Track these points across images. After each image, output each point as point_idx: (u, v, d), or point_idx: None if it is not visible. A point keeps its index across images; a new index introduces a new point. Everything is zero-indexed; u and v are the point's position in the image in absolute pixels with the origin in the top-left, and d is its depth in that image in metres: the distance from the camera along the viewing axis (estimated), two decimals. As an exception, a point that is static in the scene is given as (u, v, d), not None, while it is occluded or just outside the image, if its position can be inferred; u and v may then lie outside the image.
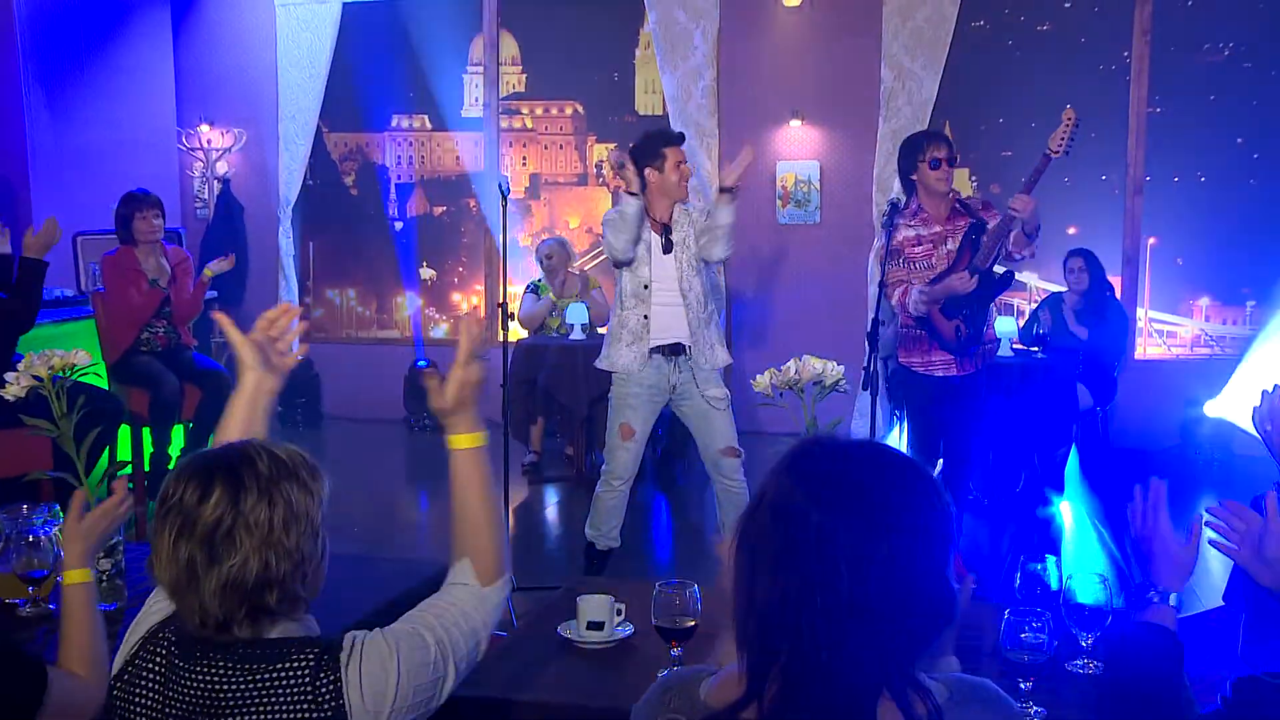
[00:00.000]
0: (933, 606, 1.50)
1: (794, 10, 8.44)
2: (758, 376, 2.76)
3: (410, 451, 8.64)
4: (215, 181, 9.29)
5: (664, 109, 8.75)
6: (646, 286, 5.09)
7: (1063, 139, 4.91)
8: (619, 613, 2.65)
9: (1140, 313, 8.41)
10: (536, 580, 5.30)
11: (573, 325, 7.41)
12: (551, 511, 7.08)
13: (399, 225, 9.50)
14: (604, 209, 8.82)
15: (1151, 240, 8.37)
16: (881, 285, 5.10)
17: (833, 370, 2.67)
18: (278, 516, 1.78)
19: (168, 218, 8.56)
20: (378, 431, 8.95)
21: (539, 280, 7.89)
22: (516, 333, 7.93)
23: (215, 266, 5.98)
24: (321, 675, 1.76)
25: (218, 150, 9.30)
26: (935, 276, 5.06)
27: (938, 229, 5.12)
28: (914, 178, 5.15)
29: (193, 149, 9.29)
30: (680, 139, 5.18)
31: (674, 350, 5.12)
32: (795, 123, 8.56)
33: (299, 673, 1.76)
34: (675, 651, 2.44)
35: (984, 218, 5.10)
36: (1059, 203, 8.38)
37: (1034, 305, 7.94)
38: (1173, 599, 2.01)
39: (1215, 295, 8.30)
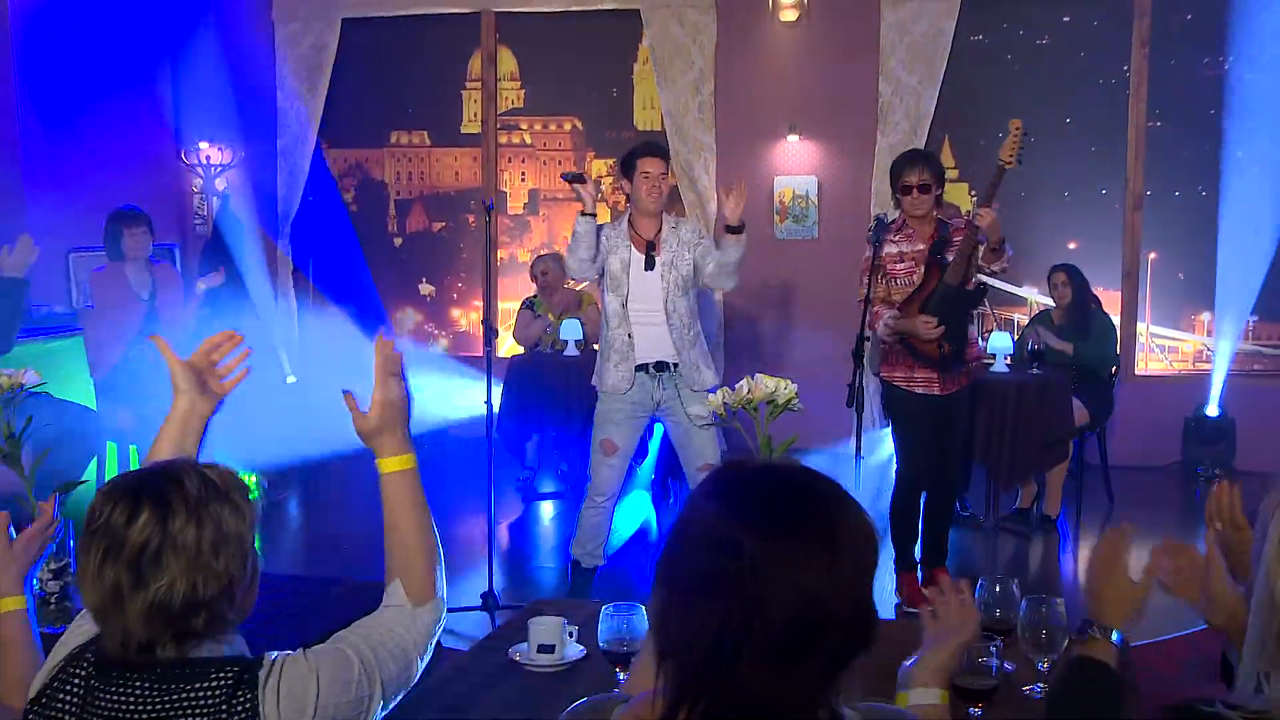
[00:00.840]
0: (858, 632, 1.47)
1: (791, 25, 8.42)
2: (709, 396, 2.73)
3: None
4: (214, 198, 9.30)
5: (662, 124, 8.74)
6: (625, 305, 5.07)
7: (1013, 150, 4.95)
8: (571, 635, 2.61)
9: (1141, 328, 8.35)
10: (526, 598, 5.27)
11: (567, 341, 7.38)
12: (545, 528, 7.04)
13: (399, 241, 9.50)
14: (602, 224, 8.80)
15: (1152, 255, 8.31)
16: (866, 301, 5.08)
17: (785, 389, 2.63)
18: (206, 538, 1.76)
19: (166, 234, 8.61)
20: (375, 448, 8.92)
21: (534, 297, 7.87)
22: (515, 349, 7.93)
23: (207, 281, 5.97)
24: (238, 693, 1.74)
25: (216, 167, 9.31)
26: (904, 300, 5.08)
27: (921, 247, 5.14)
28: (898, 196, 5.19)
29: (191, 166, 9.31)
30: (656, 150, 5.13)
31: (658, 368, 5.10)
32: (792, 137, 8.54)
33: (215, 691, 1.74)
34: (622, 675, 2.39)
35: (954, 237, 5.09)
36: (1058, 218, 8.35)
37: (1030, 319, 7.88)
38: (1114, 635, 1.96)
39: (1217, 310, 8.23)
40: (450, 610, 5.28)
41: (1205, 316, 8.26)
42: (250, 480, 6.93)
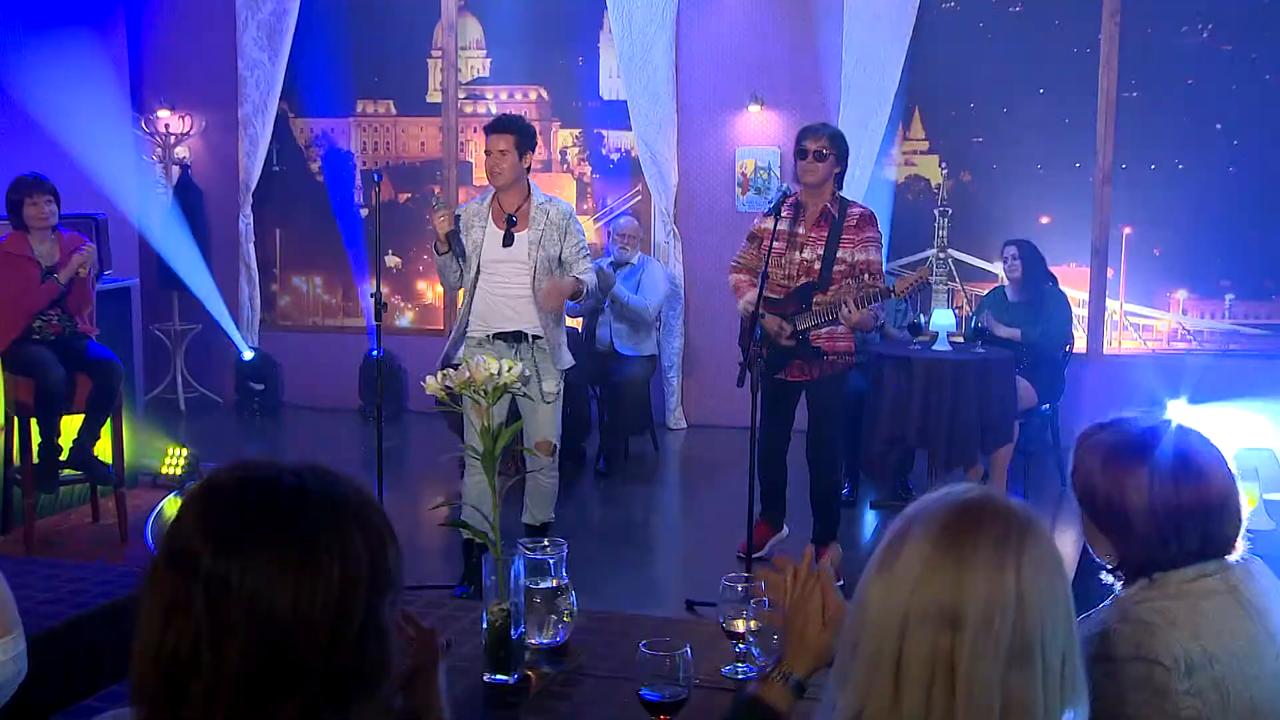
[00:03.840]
0: (341, 679, 1.27)
1: (752, -9, 8.19)
2: (428, 379, 2.56)
3: (357, 442, 8.51)
4: (175, 167, 9.20)
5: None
6: (476, 279, 5.03)
7: (907, 288, 5.14)
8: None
9: (1114, 305, 8.07)
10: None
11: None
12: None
13: (365, 212, 9.37)
14: (568, 196, 8.65)
15: (1126, 230, 8.02)
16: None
17: (509, 370, 2.47)
18: None
19: (121, 204, 8.51)
20: (332, 420, 8.85)
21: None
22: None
23: (75, 261, 5.72)
24: None
25: (176, 135, 9.21)
26: (769, 296, 5.14)
27: (800, 231, 5.18)
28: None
29: (151, 134, 9.20)
30: (495, 125, 5.03)
31: (516, 338, 5.01)
32: (755, 108, 8.31)
33: None
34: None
35: (844, 247, 5.13)
36: (1031, 191, 8.07)
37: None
38: (792, 679, 1.83)
39: (1193, 288, 7.94)
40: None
41: (1181, 293, 7.97)
42: (180, 454, 6.85)
